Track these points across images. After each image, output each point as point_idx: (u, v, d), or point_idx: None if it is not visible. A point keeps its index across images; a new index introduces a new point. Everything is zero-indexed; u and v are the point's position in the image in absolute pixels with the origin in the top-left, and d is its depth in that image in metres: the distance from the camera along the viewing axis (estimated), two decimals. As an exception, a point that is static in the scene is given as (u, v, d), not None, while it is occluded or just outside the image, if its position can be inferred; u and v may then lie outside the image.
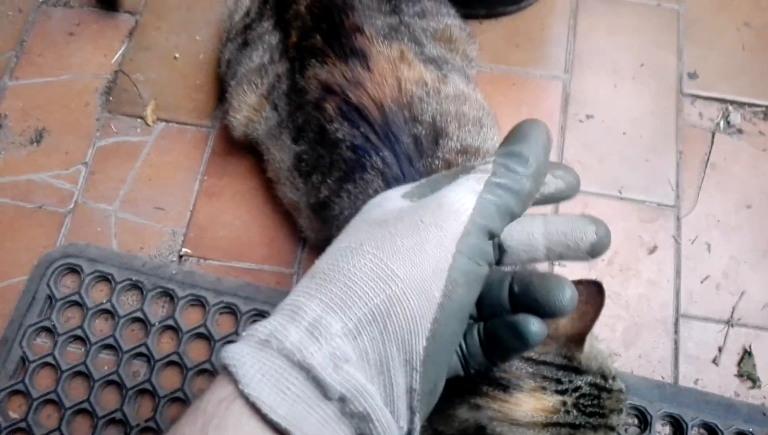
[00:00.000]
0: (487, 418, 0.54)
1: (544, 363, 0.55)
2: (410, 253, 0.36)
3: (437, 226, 0.37)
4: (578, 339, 0.56)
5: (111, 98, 1.08)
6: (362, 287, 0.35)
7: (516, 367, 0.55)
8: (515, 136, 0.40)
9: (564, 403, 0.54)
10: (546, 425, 0.53)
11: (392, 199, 0.42)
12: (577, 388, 0.54)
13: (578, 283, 0.55)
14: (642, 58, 1.09)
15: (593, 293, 0.56)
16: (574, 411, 0.54)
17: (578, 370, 0.55)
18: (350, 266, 0.36)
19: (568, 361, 0.56)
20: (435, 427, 0.59)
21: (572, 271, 0.95)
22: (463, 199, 0.38)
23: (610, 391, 0.57)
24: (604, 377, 0.57)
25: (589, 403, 0.55)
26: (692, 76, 1.08)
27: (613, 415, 0.56)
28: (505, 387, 0.54)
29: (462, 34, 0.94)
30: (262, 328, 0.35)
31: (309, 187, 0.85)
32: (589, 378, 0.55)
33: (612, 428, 0.56)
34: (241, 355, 0.33)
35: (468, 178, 0.39)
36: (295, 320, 0.35)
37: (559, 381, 0.54)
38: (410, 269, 0.36)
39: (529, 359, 0.55)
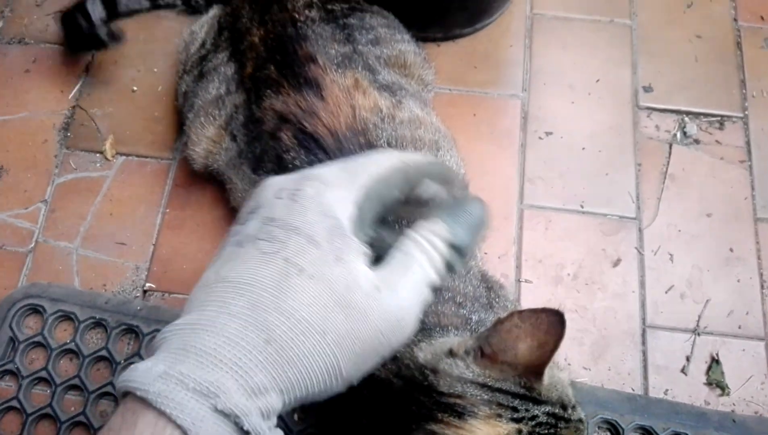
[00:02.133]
0: None
1: (500, 390, 0.55)
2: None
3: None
4: (537, 369, 0.56)
5: (69, 134, 1.07)
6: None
7: (471, 393, 0.55)
8: (464, 220, 0.46)
9: (519, 431, 0.53)
10: None
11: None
12: (533, 417, 0.54)
13: (540, 312, 0.56)
14: (597, 74, 1.11)
15: (554, 323, 0.55)
16: None
17: (536, 400, 0.55)
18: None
19: (526, 391, 0.55)
20: None
21: (537, 289, 0.96)
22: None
23: (568, 420, 0.56)
24: (564, 407, 0.57)
25: (546, 432, 0.54)
26: (647, 89, 1.10)
27: None
28: (459, 414, 0.54)
29: (417, 59, 0.95)
30: (202, 374, 0.35)
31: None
32: (548, 408, 0.55)
33: None
34: (198, 419, 0.35)
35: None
36: (237, 381, 0.36)
37: (515, 409, 0.54)
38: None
39: (485, 386, 0.55)
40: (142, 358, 0.89)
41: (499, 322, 0.56)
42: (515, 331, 0.55)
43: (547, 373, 0.57)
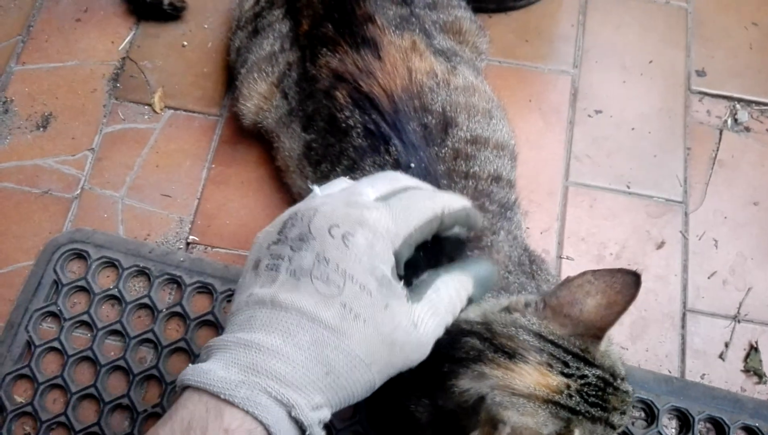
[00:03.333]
0: (488, 386, 0.54)
1: (554, 343, 0.55)
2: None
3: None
4: (598, 331, 0.55)
5: (118, 85, 1.08)
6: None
7: (524, 338, 0.55)
8: (485, 282, 0.54)
9: (568, 386, 0.53)
10: (546, 401, 0.53)
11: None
12: (583, 376, 0.54)
13: (617, 272, 0.55)
14: (651, 55, 1.09)
15: (629, 283, 0.55)
16: (577, 396, 0.54)
17: (589, 362, 0.55)
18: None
19: (581, 351, 0.55)
20: (436, 401, 0.59)
21: (578, 267, 0.95)
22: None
23: (616, 389, 0.56)
24: (614, 376, 0.56)
25: (594, 393, 0.54)
26: (700, 73, 1.08)
27: (615, 413, 0.56)
28: (510, 356, 0.54)
29: (472, 26, 0.95)
30: (278, 389, 0.42)
31: (318, 176, 0.85)
32: (599, 372, 0.55)
33: (612, 426, 0.56)
34: (278, 422, 0.41)
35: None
36: (303, 398, 0.43)
37: (566, 364, 0.54)
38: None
39: (539, 335, 0.55)
40: (183, 308, 0.90)
41: (570, 278, 0.56)
42: (587, 286, 0.55)
43: (606, 338, 0.56)
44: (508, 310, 0.59)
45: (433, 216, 0.50)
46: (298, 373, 0.43)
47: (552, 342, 0.55)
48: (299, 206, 0.50)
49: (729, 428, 0.84)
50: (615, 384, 0.56)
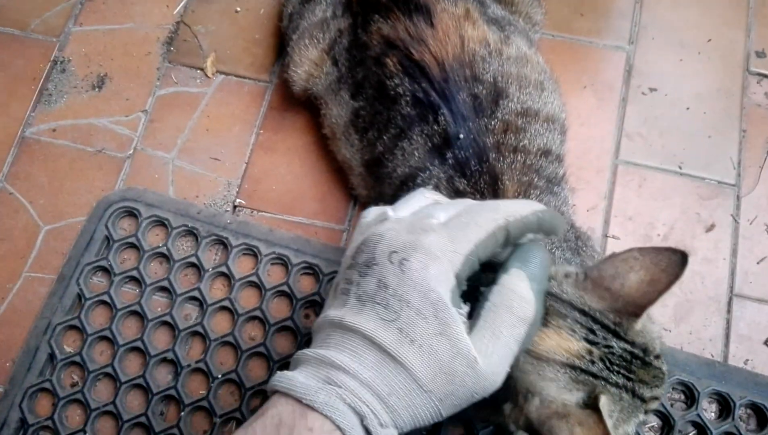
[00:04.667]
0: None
1: (583, 312, 0.54)
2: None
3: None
4: (637, 309, 0.54)
5: (172, 48, 1.10)
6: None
7: (549, 304, 0.54)
8: (537, 263, 0.51)
9: (590, 352, 0.53)
10: (565, 365, 0.52)
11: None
12: (608, 346, 0.53)
13: (664, 250, 0.54)
14: (709, 34, 1.06)
15: (675, 262, 0.54)
16: (600, 363, 0.53)
17: (618, 335, 0.54)
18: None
19: (612, 324, 0.54)
20: None
21: (624, 247, 0.93)
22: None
23: (646, 363, 0.55)
24: (645, 352, 0.55)
25: (618, 362, 0.53)
26: (760, 54, 1.05)
27: (643, 385, 0.55)
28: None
29: (526, -5, 0.93)
30: (351, 399, 0.45)
31: (364, 144, 0.85)
32: (627, 346, 0.54)
33: (642, 399, 0.55)
34: (353, 428, 0.44)
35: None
36: (371, 413, 0.45)
37: (592, 332, 0.53)
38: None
39: (568, 302, 0.54)
40: (229, 268, 0.92)
41: (615, 253, 0.55)
42: (632, 261, 0.54)
43: (643, 319, 0.55)
44: (549, 279, 0.58)
45: (495, 228, 0.49)
46: (366, 390, 0.45)
47: (581, 310, 0.54)
48: (371, 232, 0.51)
49: (771, 415, 0.82)
50: (645, 359, 0.55)
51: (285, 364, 0.87)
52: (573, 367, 0.53)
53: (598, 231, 0.95)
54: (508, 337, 0.47)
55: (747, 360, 0.88)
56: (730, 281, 0.92)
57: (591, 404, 0.52)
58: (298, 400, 0.45)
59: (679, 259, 0.53)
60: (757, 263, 0.93)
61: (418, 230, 0.49)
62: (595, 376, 0.53)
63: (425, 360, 0.46)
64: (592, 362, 0.53)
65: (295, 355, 0.50)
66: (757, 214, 0.95)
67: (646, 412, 0.56)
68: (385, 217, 0.53)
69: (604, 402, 0.51)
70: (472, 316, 0.48)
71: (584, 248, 0.82)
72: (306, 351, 0.49)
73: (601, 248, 0.93)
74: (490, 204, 0.52)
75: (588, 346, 0.53)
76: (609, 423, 0.50)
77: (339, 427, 0.44)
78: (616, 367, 0.53)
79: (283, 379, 0.47)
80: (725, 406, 0.84)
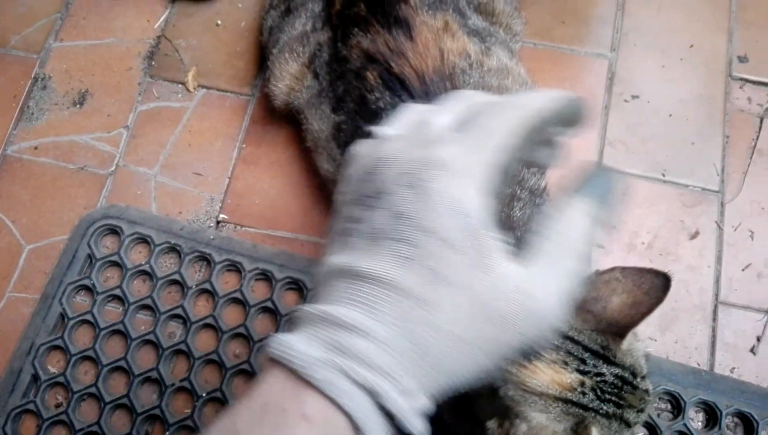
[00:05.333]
0: (502, 380, 0.54)
1: (573, 340, 0.54)
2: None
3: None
4: (621, 330, 0.55)
5: (153, 63, 1.09)
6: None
7: None
8: (604, 192, 0.41)
9: (582, 383, 0.53)
10: (557, 399, 0.53)
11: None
12: (600, 374, 0.53)
13: (647, 272, 0.54)
14: (691, 40, 1.06)
15: (657, 286, 0.54)
16: (591, 394, 0.53)
17: (608, 360, 0.55)
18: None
19: (600, 348, 0.55)
20: None
21: (608, 256, 0.94)
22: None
23: (635, 387, 0.56)
24: (634, 374, 0.56)
25: (609, 390, 0.54)
26: (742, 59, 1.05)
27: (631, 410, 0.55)
28: (526, 354, 0.53)
29: (506, 7, 0.93)
30: (361, 372, 0.36)
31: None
32: (618, 371, 0.55)
33: (627, 423, 0.55)
34: (361, 410, 0.35)
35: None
36: (391, 383, 0.36)
37: (584, 361, 0.53)
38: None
39: (557, 331, 0.55)
40: (212, 285, 0.92)
41: (599, 272, 0.55)
42: (614, 283, 0.54)
43: (629, 338, 0.55)
44: None
45: (527, 125, 0.39)
46: (383, 352, 0.36)
47: (571, 339, 0.54)
48: (367, 159, 0.42)
49: (758, 424, 0.82)
50: (634, 382, 0.56)
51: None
52: (565, 401, 0.53)
53: (582, 240, 0.94)
54: (568, 269, 0.39)
55: (733, 368, 0.88)
56: (715, 289, 0.92)
57: (580, 434, 0.52)
58: (294, 372, 0.36)
59: (662, 282, 0.53)
60: (742, 270, 0.93)
61: (429, 143, 0.40)
62: (585, 408, 0.53)
63: (462, 302, 0.37)
64: (584, 394, 0.53)
65: (295, 311, 0.41)
66: (742, 220, 0.95)
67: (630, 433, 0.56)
68: (381, 137, 0.43)
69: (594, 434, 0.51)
70: (523, 246, 0.39)
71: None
72: (307, 307, 0.39)
73: (586, 258, 0.93)
74: (514, 99, 0.41)
75: (580, 377, 0.53)
76: None
77: (345, 412, 0.35)
78: (607, 395, 0.54)
79: (280, 343, 0.38)
80: (712, 416, 0.84)
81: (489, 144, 0.39)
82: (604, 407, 0.53)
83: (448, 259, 0.37)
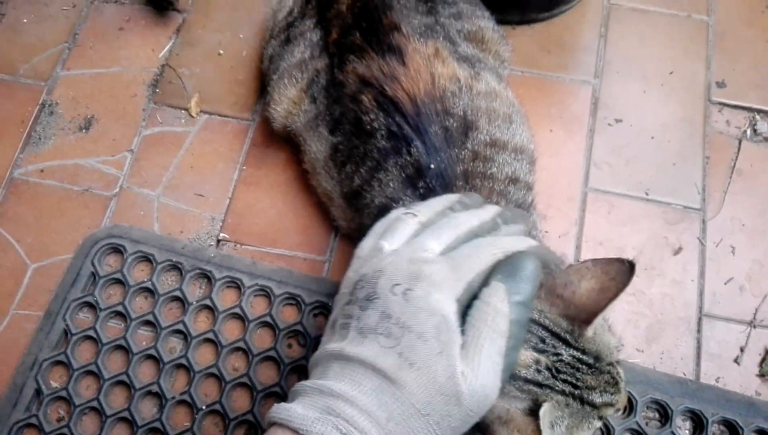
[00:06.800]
0: None
1: (534, 321, 0.56)
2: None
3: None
4: (588, 316, 0.57)
5: (157, 90, 1.14)
6: None
7: None
8: (521, 276, 0.52)
9: (537, 361, 0.55)
10: (512, 376, 0.54)
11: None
12: (557, 354, 0.55)
13: (614, 260, 0.57)
14: (671, 66, 1.12)
15: (622, 271, 0.56)
16: (546, 372, 0.55)
17: (568, 343, 0.56)
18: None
19: (563, 332, 0.57)
20: None
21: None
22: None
23: (597, 370, 0.57)
24: (598, 359, 0.58)
25: (565, 370, 0.55)
26: (720, 84, 1.10)
27: (593, 391, 0.57)
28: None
29: (495, 35, 0.98)
30: (347, 427, 0.45)
31: (343, 177, 0.89)
32: (577, 353, 0.56)
33: (593, 405, 0.57)
34: None
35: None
36: None
37: (542, 340, 0.56)
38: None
39: None
40: (213, 301, 0.94)
41: (571, 265, 0.58)
42: (584, 270, 0.57)
43: (594, 326, 0.57)
44: None
45: (495, 261, 0.52)
46: (364, 416, 0.46)
47: (533, 320, 0.56)
48: (368, 268, 0.53)
49: (743, 431, 0.85)
50: (595, 365, 0.57)
51: (269, 393, 0.89)
52: (517, 377, 0.55)
53: (570, 256, 0.98)
54: (490, 350, 0.48)
55: (718, 378, 0.90)
56: (699, 302, 0.95)
57: (535, 411, 0.54)
58: (295, 431, 0.46)
59: (627, 268, 0.56)
60: (725, 284, 0.96)
61: (419, 262, 0.51)
62: (540, 385, 0.55)
63: (422, 382, 0.47)
64: (539, 371, 0.55)
65: (293, 388, 0.51)
66: (723, 236, 0.99)
67: (600, 418, 0.58)
68: (380, 251, 0.55)
69: (545, 410, 0.53)
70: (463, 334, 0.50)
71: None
72: (304, 382, 0.50)
73: (573, 273, 0.96)
74: (488, 239, 0.55)
75: (536, 355, 0.55)
76: (546, 432, 0.52)
77: None
78: (562, 375, 0.55)
79: (281, 410, 0.48)
80: (698, 424, 0.86)
81: (464, 268, 0.51)
82: (560, 385, 0.55)
83: (419, 348, 0.47)
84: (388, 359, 0.47)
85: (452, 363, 0.47)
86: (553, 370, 0.55)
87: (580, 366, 0.56)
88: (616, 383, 0.59)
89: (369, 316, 0.50)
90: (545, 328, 0.56)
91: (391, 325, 0.49)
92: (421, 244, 0.54)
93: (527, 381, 0.55)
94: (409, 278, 0.50)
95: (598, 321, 0.57)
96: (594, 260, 0.58)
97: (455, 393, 0.47)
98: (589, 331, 0.57)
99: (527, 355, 0.55)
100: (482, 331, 0.49)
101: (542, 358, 0.55)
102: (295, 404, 0.48)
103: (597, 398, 0.57)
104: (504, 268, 0.52)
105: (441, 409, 0.47)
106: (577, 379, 0.56)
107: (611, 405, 0.58)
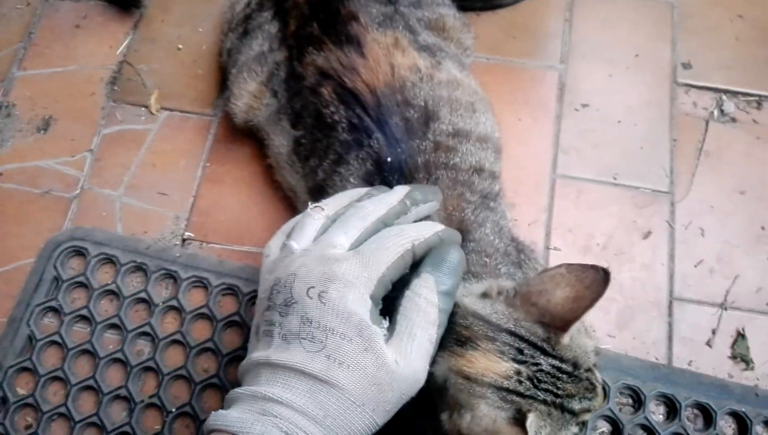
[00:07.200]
0: (448, 370, 0.57)
1: (511, 332, 0.56)
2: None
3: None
4: (564, 324, 0.57)
5: (116, 88, 1.11)
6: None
7: (477, 327, 0.57)
8: (447, 267, 0.55)
9: (518, 372, 0.55)
10: (493, 386, 0.55)
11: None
12: (536, 364, 0.56)
13: (589, 267, 0.57)
14: (637, 49, 1.11)
15: (597, 280, 0.56)
16: (528, 383, 0.55)
17: (545, 352, 0.57)
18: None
19: (540, 341, 0.57)
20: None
21: (565, 258, 0.97)
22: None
23: (575, 377, 0.57)
24: (576, 366, 0.58)
25: (545, 380, 0.56)
26: (686, 66, 1.10)
27: (572, 399, 0.57)
28: (462, 343, 0.56)
29: (456, 23, 0.97)
30: (287, 425, 0.47)
31: (307, 171, 0.87)
32: (555, 362, 0.56)
33: (572, 412, 0.57)
34: None
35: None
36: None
37: (521, 351, 0.56)
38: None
39: (496, 325, 0.57)
40: (179, 302, 0.93)
41: (546, 269, 0.57)
42: (558, 277, 0.57)
43: (572, 332, 0.57)
44: (484, 295, 0.61)
45: (403, 251, 0.54)
46: (301, 416, 0.48)
47: (508, 331, 0.57)
48: (281, 272, 0.54)
49: (716, 414, 0.85)
50: (574, 373, 0.57)
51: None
52: (501, 389, 0.55)
53: (540, 244, 0.97)
54: (422, 338, 0.52)
55: (690, 361, 0.90)
56: (669, 285, 0.95)
57: (520, 421, 0.54)
58: (234, 434, 0.47)
59: (602, 276, 0.56)
60: (695, 266, 0.96)
61: (329, 261, 0.53)
62: (522, 395, 0.55)
63: (355, 377, 0.49)
64: (520, 382, 0.55)
65: (227, 396, 0.52)
66: (692, 219, 0.99)
67: (578, 424, 0.58)
68: (290, 251, 0.56)
69: (531, 421, 0.53)
70: (390, 324, 0.53)
71: (527, 261, 0.85)
72: (237, 390, 0.52)
73: (544, 260, 0.96)
74: (395, 229, 0.56)
75: (516, 366, 0.55)
76: None
77: None
78: (543, 385, 0.56)
79: (218, 417, 0.49)
80: (672, 408, 0.86)
81: (374, 263, 0.52)
82: (541, 395, 0.55)
83: (345, 348, 0.50)
84: (316, 363, 0.49)
85: (381, 355, 0.50)
86: (534, 380, 0.55)
87: (560, 375, 0.56)
88: (594, 388, 0.59)
89: (290, 322, 0.51)
90: (522, 338, 0.56)
91: (312, 329, 0.50)
92: (329, 241, 0.55)
93: (510, 392, 0.55)
94: (322, 280, 0.52)
95: (575, 327, 0.57)
96: (568, 266, 0.57)
97: (389, 380, 0.50)
98: (566, 338, 0.57)
99: (507, 366, 0.55)
100: (415, 321, 0.52)
101: (523, 369, 0.55)
102: (231, 410, 0.50)
103: (576, 405, 0.57)
104: (432, 259, 0.55)
105: (376, 398, 0.50)
106: (558, 388, 0.56)
107: (589, 411, 0.58)
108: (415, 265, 0.55)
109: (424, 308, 0.53)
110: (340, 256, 0.53)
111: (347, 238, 0.55)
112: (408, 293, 0.54)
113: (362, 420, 0.50)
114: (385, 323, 0.52)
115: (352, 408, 0.49)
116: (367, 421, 0.50)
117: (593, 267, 0.57)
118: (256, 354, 0.53)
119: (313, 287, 0.52)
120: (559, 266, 0.58)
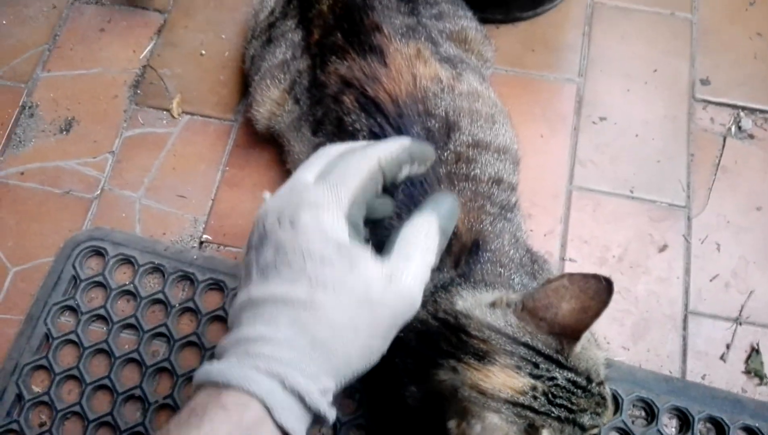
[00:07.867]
0: (460, 381, 0.57)
1: (527, 345, 0.57)
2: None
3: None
4: (573, 334, 0.57)
5: (138, 91, 1.13)
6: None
7: (495, 341, 0.57)
8: (445, 211, 0.54)
9: (534, 388, 0.55)
10: (508, 402, 0.55)
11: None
12: (552, 378, 0.56)
13: (591, 277, 0.57)
14: (655, 64, 1.11)
15: (601, 290, 0.57)
16: (542, 398, 0.55)
17: (560, 364, 0.57)
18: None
19: (554, 353, 0.57)
20: (422, 388, 0.62)
21: (580, 269, 0.97)
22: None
23: (588, 392, 0.58)
24: (589, 380, 0.58)
25: (561, 395, 0.56)
26: (704, 82, 1.10)
27: (584, 414, 0.57)
28: (480, 357, 0.57)
29: (477, 35, 0.98)
30: (269, 364, 0.45)
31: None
32: (570, 375, 0.57)
33: (582, 427, 0.57)
34: (271, 392, 0.44)
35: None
36: (295, 370, 0.45)
37: (536, 366, 0.56)
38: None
39: (512, 338, 0.57)
40: (196, 303, 0.94)
41: (549, 280, 0.58)
42: (562, 290, 0.57)
43: (582, 341, 0.58)
44: (493, 305, 0.61)
45: (371, 170, 0.51)
46: (284, 349, 0.45)
47: (525, 344, 0.57)
48: (255, 217, 0.53)
49: (729, 428, 0.85)
50: (587, 387, 0.58)
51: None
52: (516, 404, 0.55)
53: (555, 255, 0.98)
54: (420, 260, 0.50)
55: (704, 375, 0.90)
56: (684, 299, 0.95)
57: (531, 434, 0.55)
58: (216, 384, 0.45)
59: (605, 286, 0.56)
60: (710, 281, 0.96)
61: (297, 190, 0.51)
62: (537, 411, 0.55)
63: (343, 299, 0.47)
64: (535, 398, 0.56)
65: (215, 350, 0.50)
66: (708, 233, 0.99)
67: None
68: (265, 201, 0.54)
69: None
70: (384, 251, 0.51)
71: (541, 272, 0.85)
72: (221, 341, 0.49)
73: (558, 271, 0.96)
74: (358, 151, 0.54)
75: (532, 381, 0.56)
76: None
77: (255, 396, 0.43)
78: (558, 400, 0.56)
79: (201, 372, 0.47)
80: (685, 421, 0.86)
81: (342, 184, 0.50)
82: (555, 411, 0.55)
83: (325, 270, 0.47)
84: (297, 288, 0.47)
85: (368, 273, 0.47)
86: (549, 396, 0.56)
87: (575, 390, 0.57)
88: (605, 402, 0.59)
89: (264, 255, 0.49)
90: (538, 351, 0.57)
91: (288, 255, 0.48)
92: (296, 179, 0.53)
93: (524, 407, 0.55)
94: (292, 207, 0.49)
95: (585, 336, 0.57)
96: (570, 277, 0.58)
97: (380, 298, 0.48)
98: (577, 347, 0.57)
99: (524, 382, 0.55)
100: (415, 244, 0.51)
101: (539, 385, 0.56)
102: (215, 362, 0.47)
103: (587, 421, 0.57)
104: (430, 201, 0.54)
105: (368, 319, 0.47)
106: (572, 403, 0.56)
107: (597, 426, 0.59)
108: (388, 191, 0.55)
109: (426, 235, 0.51)
110: (307, 186, 0.51)
111: (312, 173, 0.53)
112: (410, 222, 0.52)
113: (356, 344, 0.47)
114: (364, 247, 0.50)
115: (344, 332, 0.47)
116: (362, 346, 0.48)
117: (595, 277, 0.57)
118: (238, 298, 0.50)
119: (284, 215, 0.49)
120: (562, 277, 0.59)
